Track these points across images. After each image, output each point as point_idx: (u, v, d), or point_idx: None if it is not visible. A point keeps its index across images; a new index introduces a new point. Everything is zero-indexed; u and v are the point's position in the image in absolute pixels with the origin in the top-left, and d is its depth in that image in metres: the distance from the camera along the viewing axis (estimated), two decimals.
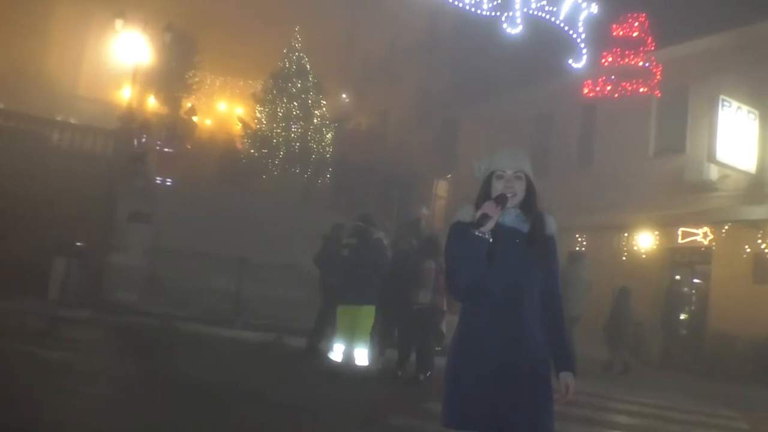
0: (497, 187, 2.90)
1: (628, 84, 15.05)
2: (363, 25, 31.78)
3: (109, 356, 8.14)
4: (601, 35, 14.95)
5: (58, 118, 21.89)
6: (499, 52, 16.25)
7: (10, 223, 11.58)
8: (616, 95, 15.28)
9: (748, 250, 13.71)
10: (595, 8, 14.53)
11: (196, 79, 31.30)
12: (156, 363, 7.90)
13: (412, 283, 8.59)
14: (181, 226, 13.74)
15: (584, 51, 14.62)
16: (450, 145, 23.51)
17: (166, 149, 19.81)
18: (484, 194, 2.92)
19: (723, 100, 13.76)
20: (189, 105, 27.36)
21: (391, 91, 27.75)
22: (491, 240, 2.78)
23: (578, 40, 14.52)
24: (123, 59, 26.18)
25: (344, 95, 31.46)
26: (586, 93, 15.66)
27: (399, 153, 24.56)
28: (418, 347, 8.76)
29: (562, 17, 14.36)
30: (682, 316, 15.70)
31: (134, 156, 15.88)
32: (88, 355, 8.02)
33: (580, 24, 14.49)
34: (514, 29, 13.76)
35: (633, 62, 15.00)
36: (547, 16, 14.28)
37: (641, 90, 15.08)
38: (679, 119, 15.78)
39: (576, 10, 14.44)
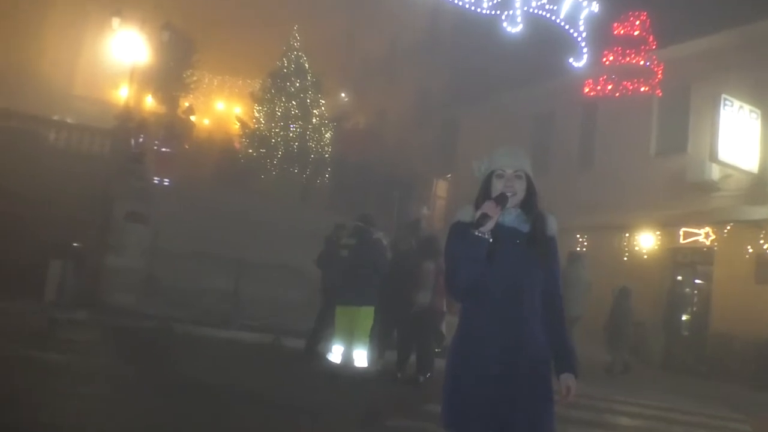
0: (497, 187, 2.89)
1: (629, 83, 14.98)
2: (362, 23, 31.72)
3: (107, 358, 8.10)
4: (602, 34, 14.88)
5: (55, 118, 21.71)
6: (500, 51, 16.19)
7: (5, 224, 11.50)
8: (617, 94, 15.21)
9: (751, 250, 13.63)
10: (596, 7, 14.45)
11: (194, 78, 31.15)
12: (153, 364, 7.86)
13: (411, 283, 8.53)
14: (179, 227, 13.67)
15: (585, 50, 14.54)
16: (450, 145, 23.46)
17: (163, 149, 19.69)
18: (484, 194, 2.91)
19: (725, 100, 13.67)
20: (187, 104, 27.18)
21: (390, 90, 27.69)
22: (491, 240, 2.77)
23: (579, 39, 14.44)
24: (120, 58, 26.10)
25: (343, 94, 31.38)
26: (587, 92, 15.59)
27: (398, 153, 24.49)
28: (417, 348, 8.70)
29: (562, 16, 14.29)
30: (684, 317, 15.65)
31: (131, 156, 15.79)
32: (86, 356, 7.97)
33: (580, 23, 14.41)
34: (514, 28, 13.69)
35: (634, 61, 14.92)
36: (548, 15, 14.21)
37: (642, 89, 15.02)
38: (680, 119, 15.71)
39: (577, 8, 14.36)
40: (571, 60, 14.66)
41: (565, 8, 14.28)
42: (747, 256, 13.68)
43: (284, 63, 24.62)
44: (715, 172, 14.24)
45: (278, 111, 24.01)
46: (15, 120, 18.16)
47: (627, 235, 15.92)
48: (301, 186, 23.08)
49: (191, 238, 13.44)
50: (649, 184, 15.58)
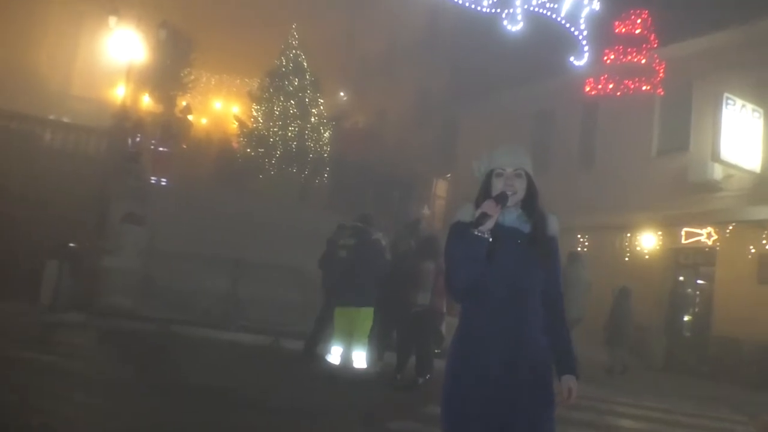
0: (497, 186, 2.86)
1: (630, 82, 14.92)
2: (362, 22, 31.62)
3: (104, 361, 8.04)
4: (603, 32, 14.82)
5: (51, 117, 21.66)
6: (500, 49, 16.13)
7: (1, 224, 11.40)
8: (619, 93, 15.16)
9: (753, 250, 13.55)
10: (597, 5, 14.41)
11: (192, 77, 31.11)
12: (151, 367, 7.80)
13: (410, 284, 8.44)
14: (177, 227, 13.58)
15: (586, 48, 14.49)
16: (450, 145, 23.38)
17: (160, 149, 19.57)
18: (484, 193, 2.88)
19: (727, 98, 13.59)
20: (184, 103, 27.17)
21: (390, 89, 27.58)
22: (491, 239, 2.75)
23: (580, 38, 14.38)
24: (117, 57, 26.05)
25: (342, 93, 31.30)
26: (588, 91, 15.54)
27: (398, 152, 24.41)
28: (417, 350, 8.60)
29: (563, 14, 14.24)
30: (686, 318, 15.59)
31: (128, 155, 15.73)
32: (82, 359, 7.92)
33: (581, 21, 14.36)
34: (514, 26, 13.64)
35: (635, 60, 14.86)
36: (549, 13, 14.16)
37: (644, 88, 14.96)
38: (682, 118, 15.62)
39: (578, 6, 14.31)
40: (572, 58, 14.61)
41: (566, 6, 14.22)
42: (749, 257, 13.61)
43: (282, 62, 24.48)
44: (717, 172, 14.16)
45: (276, 110, 23.87)
46: (10, 120, 18.03)
47: (628, 235, 15.84)
48: (300, 186, 22.96)
49: (189, 238, 13.34)
50: (651, 184, 15.50)
